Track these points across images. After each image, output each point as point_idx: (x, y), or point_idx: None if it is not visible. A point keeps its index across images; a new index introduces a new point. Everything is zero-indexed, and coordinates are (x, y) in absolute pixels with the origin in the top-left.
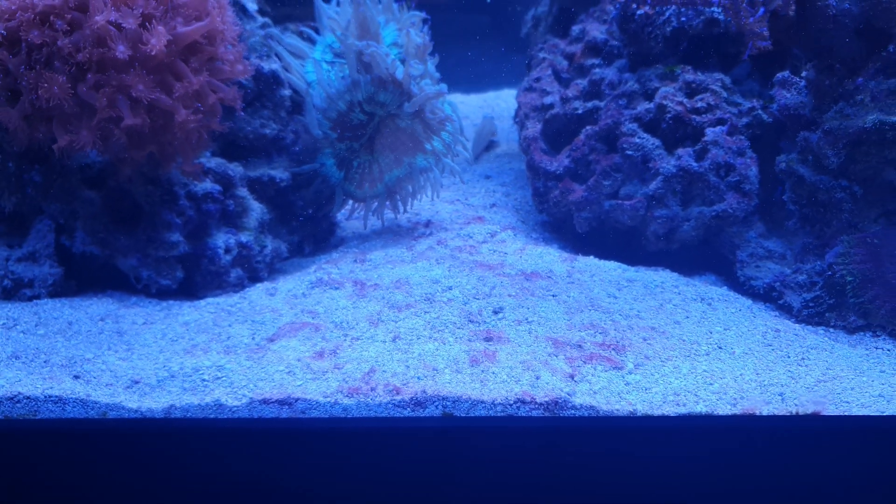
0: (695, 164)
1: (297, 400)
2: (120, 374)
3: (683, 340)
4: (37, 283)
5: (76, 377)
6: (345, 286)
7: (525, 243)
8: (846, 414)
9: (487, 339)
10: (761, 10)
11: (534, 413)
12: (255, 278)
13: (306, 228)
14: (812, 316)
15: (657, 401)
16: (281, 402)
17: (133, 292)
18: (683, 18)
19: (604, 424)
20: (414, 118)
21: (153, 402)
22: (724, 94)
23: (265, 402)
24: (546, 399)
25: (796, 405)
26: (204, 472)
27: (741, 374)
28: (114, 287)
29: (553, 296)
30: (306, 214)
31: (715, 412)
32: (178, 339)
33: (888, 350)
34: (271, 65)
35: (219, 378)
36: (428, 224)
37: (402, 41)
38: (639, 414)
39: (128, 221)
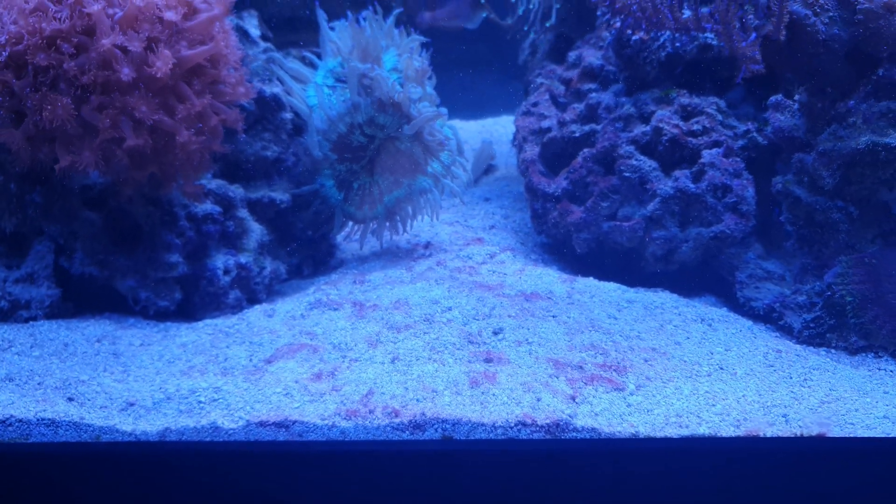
0: (692, 185)
1: (294, 422)
2: (115, 396)
3: (685, 361)
4: (34, 305)
5: (70, 399)
6: (343, 307)
7: (524, 264)
8: (851, 436)
9: (487, 361)
10: (753, 35)
11: (535, 435)
12: (253, 300)
13: (305, 250)
14: (813, 337)
15: (659, 422)
16: (278, 425)
17: (131, 314)
18: (678, 44)
19: (606, 447)
20: (413, 140)
21: (148, 425)
22: (720, 118)
23: (262, 424)
24: (547, 421)
25: (800, 427)
26: (199, 496)
27: (744, 395)
28: (112, 309)
29: (553, 316)
30: (306, 236)
31: (718, 434)
32: (175, 360)
33: (891, 371)
34: (273, 88)
35: (215, 400)
36: (427, 245)
37: (401, 66)
38: (641, 436)
39: (127, 242)
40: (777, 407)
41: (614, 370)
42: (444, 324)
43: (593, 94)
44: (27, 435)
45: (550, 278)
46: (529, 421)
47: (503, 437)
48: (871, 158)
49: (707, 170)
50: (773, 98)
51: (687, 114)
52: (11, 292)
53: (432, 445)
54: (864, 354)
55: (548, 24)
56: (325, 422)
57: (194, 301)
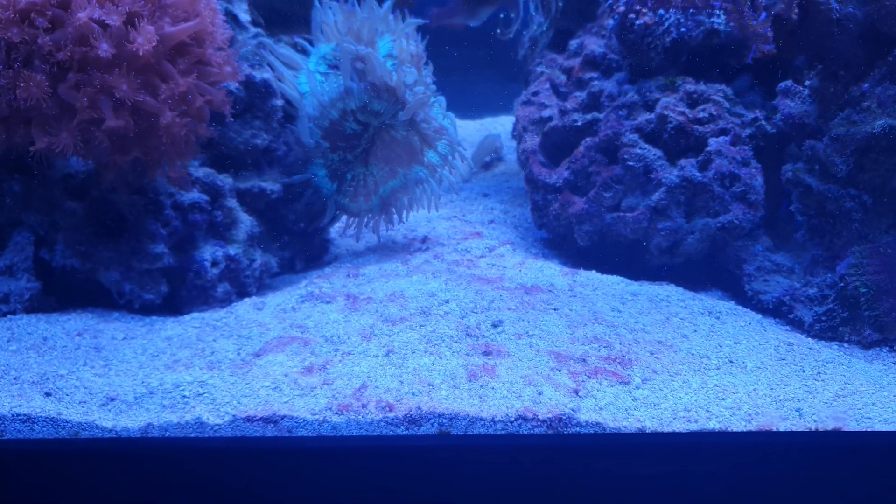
0: (698, 174)
1: (283, 417)
2: (95, 390)
3: (692, 354)
4: (12, 299)
5: (48, 394)
6: (336, 300)
7: (524, 258)
8: (869, 430)
9: (486, 353)
10: (763, 14)
11: (536, 430)
12: (243, 293)
13: (298, 244)
14: (825, 330)
15: (667, 417)
16: (266, 420)
17: (115, 308)
18: (683, 29)
19: (611, 442)
20: (409, 129)
21: (129, 421)
22: (727, 105)
23: (249, 419)
24: (549, 415)
25: (815, 421)
26: (182, 495)
27: (755, 389)
28: (95, 303)
29: (555, 309)
30: (298, 229)
31: (729, 429)
32: (160, 354)
33: None
34: (263, 74)
35: (200, 394)
36: (424, 240)
37: (396, 52)
38: (648, 431)
39: (111, 233)
40: (790, 401)
41: (619, 363)
42: (441, 316)
43: (595, 83)
44: (1, 432)
45: (551, 271)
46: (531, 415)
47: (503, 432)
48: (888, 143)
49: (714, 158)
50: (782, 84)
51: (693, 101)
52: None
53: (428, 441)
54: (878, 348)
55: (547, 21)
56: (316, 416)
57: (181, 294)
